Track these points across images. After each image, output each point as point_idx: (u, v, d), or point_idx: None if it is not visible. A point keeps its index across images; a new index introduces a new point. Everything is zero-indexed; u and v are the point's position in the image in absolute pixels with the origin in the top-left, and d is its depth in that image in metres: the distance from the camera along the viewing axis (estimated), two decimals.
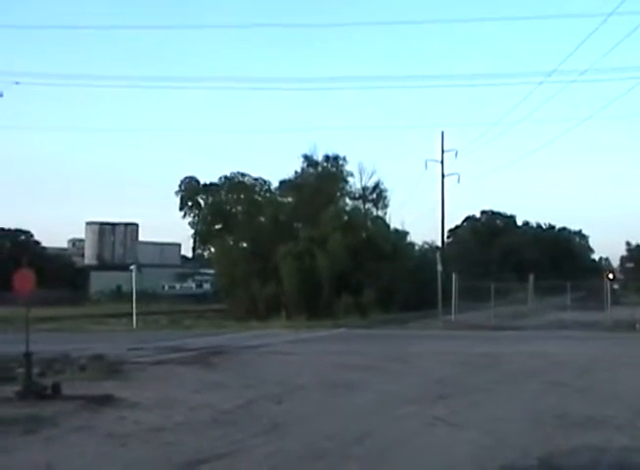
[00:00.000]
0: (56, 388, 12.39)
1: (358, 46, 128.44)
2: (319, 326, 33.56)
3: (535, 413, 11.22)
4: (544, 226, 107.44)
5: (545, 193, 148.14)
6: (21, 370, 13.21)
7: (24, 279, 13.33)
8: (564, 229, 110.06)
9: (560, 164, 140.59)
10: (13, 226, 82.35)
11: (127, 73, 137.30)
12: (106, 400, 12.09)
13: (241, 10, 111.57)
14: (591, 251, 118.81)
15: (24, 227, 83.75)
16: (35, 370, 13.36)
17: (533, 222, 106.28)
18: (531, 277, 41.32)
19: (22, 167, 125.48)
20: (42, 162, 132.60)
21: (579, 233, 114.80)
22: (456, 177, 58.29)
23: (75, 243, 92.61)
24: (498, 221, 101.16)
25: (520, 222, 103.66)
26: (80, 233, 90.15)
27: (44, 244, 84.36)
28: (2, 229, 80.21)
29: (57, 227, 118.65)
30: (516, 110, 67.91)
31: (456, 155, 57.55)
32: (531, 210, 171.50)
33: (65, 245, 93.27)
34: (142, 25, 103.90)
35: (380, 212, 57.99)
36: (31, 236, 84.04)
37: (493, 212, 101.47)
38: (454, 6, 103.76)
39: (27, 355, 12.75)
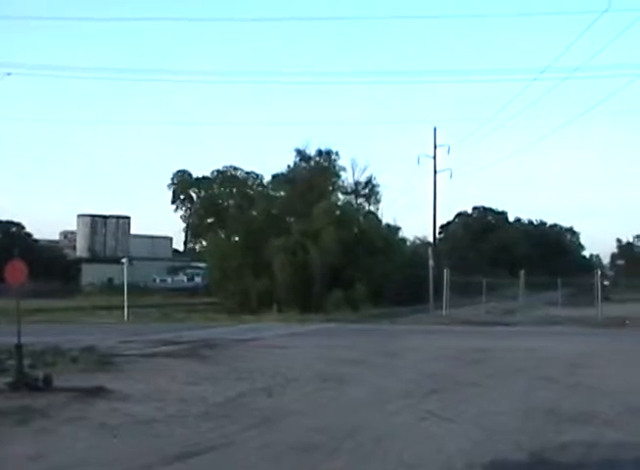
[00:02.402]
0: (47, 380, 12.37)
1: (352, 41, 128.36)
2: (311, 320, 33.63)
3: (526, 408, 11.25)
4: (535, 222, 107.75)
5: (537, 189, 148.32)
6: (12, 362, 13.22)
7: (16, 270, 13.29)
8: (555, 226, 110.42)
9: (552, 160, 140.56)
10: (4, 218, 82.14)
11: (119, 66, 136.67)
12: (97, 392, 12.08)
13: (233, 3, 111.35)
14: (582, 247, 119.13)
15: (16, 219, 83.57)
16: (26, 362, 13.35)
17: (525, 219, 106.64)
18: (522, 273, 41.52)
19: (14, 159, 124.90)
20: (34, 153, 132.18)
21: (570, 230, 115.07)
22: (448, 173, 58.46)
23: (67, 235, 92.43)
24: (490, 217, 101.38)
25: (511, 219, 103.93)
26: (72, 225, 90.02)
27: (36, 236, 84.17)
28: None
29: (48, 219, 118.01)
30: (509, 106, 68.01)
31: (449, 150, 57.67)
32: (523, 206, 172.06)
33: (56, 237, 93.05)
34: (134, 17, 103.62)
35: (372, 208, 58.18)
36: (23, 228, 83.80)
37: (485, 208, 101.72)
38: (448, 1, 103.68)
39: (19, 347, 12.73)
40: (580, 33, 75.87)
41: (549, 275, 46.22)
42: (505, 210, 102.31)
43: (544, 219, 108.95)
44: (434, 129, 58.35)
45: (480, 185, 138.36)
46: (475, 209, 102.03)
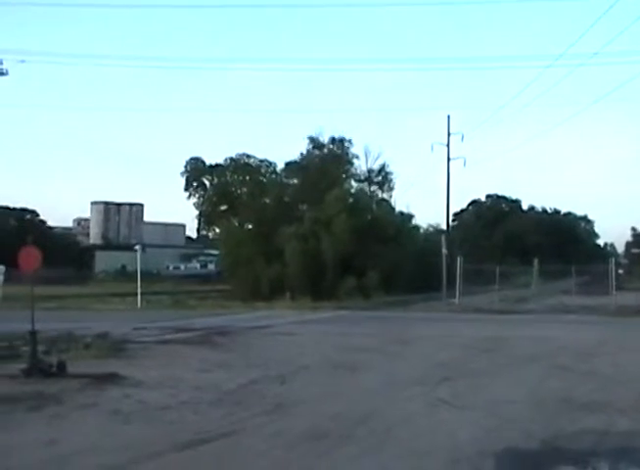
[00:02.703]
0: (61, 366, 12.44)
1: (365, 27, 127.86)
2: (323, 307, 33.64)
3: (539, 396, 11.23)
4: (549, 211, 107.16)
5: (551, 177, 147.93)
6: (26, 348, 13.30)
7: (30, 257, 13.35)
8: (569, 214, 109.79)
9: (566, 148, 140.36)
10: (18, 205, 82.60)
11: (133, 53, 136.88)
12: (110, 379, 12.13)
13: None
14: (596, 236, 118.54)
15: (30, 206, 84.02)
16: (40, 348, 13.42)
17: (539, 207, 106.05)
18: (536, 261, 41.31)
19: (28, 147, 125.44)
20: (48, 141, 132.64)
21: (585, 218, 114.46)
22: (462, 161, 58.32)
23: (80, 222, 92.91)
24: (503, 205, 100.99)
25: (525, 207, 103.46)
26: (86, 213, 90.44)
27: (49, 223, 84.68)
28: (8, 208, 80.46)
29: (62, 207, 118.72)
30: (523, 93, 67.61)
31: (462, 138, 57.53)
32: (537, 194, 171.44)
33: (70, 224, 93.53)
34: (146, 5, 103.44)
35: (385, 195, 57.96)
36: (37, 215, 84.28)
37: (498, 196, 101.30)
38: None
39: (33, 333, 12.81)
40: (595, 20, 75.24)
41: (563, 264, 45.98)
42: (519, 198, 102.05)
43: (558, 207, 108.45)
44: (448, 117, 58.28)
45: (494, 173, 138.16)
46: (488, 196, 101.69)
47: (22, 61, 41.89)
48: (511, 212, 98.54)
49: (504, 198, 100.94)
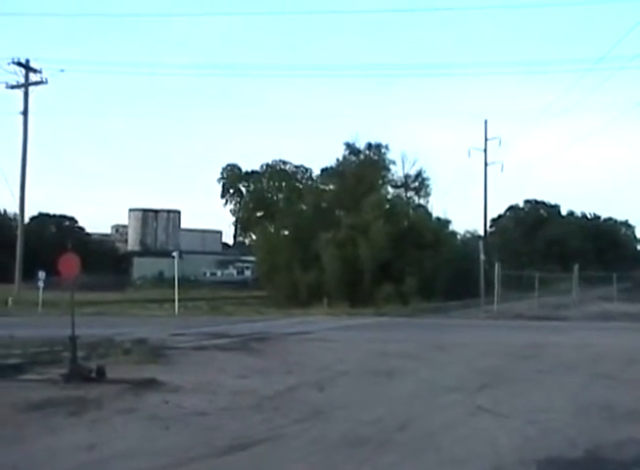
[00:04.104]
0: (100, 371, 12.52)
1: (400, 33, 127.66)
2: (361, 314, 33.53)
3: (580, 405, 11.04)
4: (589, 216, 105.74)
5: (591, 182, 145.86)
6: (66, 353, 13.42)
7: (70, 263, 13.47)
8: (609, 219, 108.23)
9: (606, 152, 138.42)
10: (57, 212, 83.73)
11: (169, 61, 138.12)
12: (149, 384, 12.18)
13: None
14: (637, 241, 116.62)
15: (69, 213, 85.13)
16: (80, 353, 13.53)
17: (578, 212, 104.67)
18: (576, 267, 40.75)
19: (67, 154, 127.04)
20: (86, 149, 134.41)
21: (625, 223, 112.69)
22: (499, 166, 57.90)
23: (119, 229, 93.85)
24: (542, 211, 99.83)
25: (564, 212, 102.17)
26: (123, 219, 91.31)
27: (88, 230, 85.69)
28: (47, 215, 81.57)
29: (100, 213, 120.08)
30: (563, 97, 66.96)
31: (500, 143, 57.15)
32: (576, 199, 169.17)
33: (108, 231, 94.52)
34: (181, 13, 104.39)
35: (422, 201, 57.60)
36: (75, 222, 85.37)
37: (537, 202, 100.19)
38: None
39: (73, 339, 12.91)
40: (637, 23, 74.24)
41: (603, 270, 45.37)
42: (558, 203, 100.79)
43: (598, 213, 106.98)
44: (485, 122, 57.96)
45: (532, 178, 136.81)
46: (526, 202, 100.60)
47: (62, 70, 42.41)
48: (550, 218, 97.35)
49: (543, 203, 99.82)
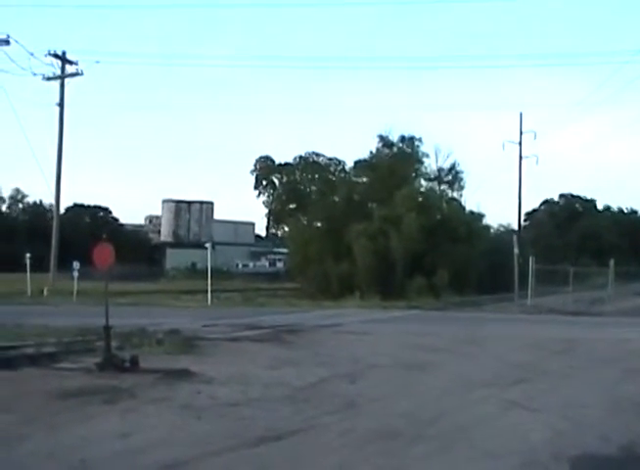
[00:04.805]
0: (134, 360, 12.64)
1: (434, 25, 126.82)
2: (393, 307, 33.44)
3: (615, 400, 10.93)
4: (626, 211, 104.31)
5: (628, 177, 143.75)
6: (100, 343, 13.56)
7: (104, 253, 13.57)
8: None
9: None
10: (92, 203, 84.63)
11: (200, 52, 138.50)
12: (182, 374, 12.27)
13: None
14: None
15: (103, 204, 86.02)
16: (114, 343, 13.66)
17: (614, 207, 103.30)
18: (612, 262, 40.23)
19: (102, 145, 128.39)
20: (121, 139, 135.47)
21: None
22: (534, 159, 57.38)
23: (152, 220, 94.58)
24: (577, 205, 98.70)
25: (600, 206, 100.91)
26: (157, 210, 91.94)
27: (122, 220, 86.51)
28: (82, 205, 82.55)
29: (134, 204, 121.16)
30: (599, 90, 66.13)
31: (535, 136, 56.62)
32: (613, 193, 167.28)
33: (141, 222, 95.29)
34: (212, 4, 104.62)
35: (455, 194, 57.20)
36: (109, 212, 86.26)
37: (572, 196, 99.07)
38: None
39: (107, 329, 13.03)
40: None
41: (639, 265, 44.72)
42: (594, 197, 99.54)
43: (635, 207, 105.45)
44: (520, 115, 57.53)
45: (568, 172, 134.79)
46: (561, 196, 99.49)
47: (98, 61, 42.70)
48: (585, 212, 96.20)
49: (578, 197, 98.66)
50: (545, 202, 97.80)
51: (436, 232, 45.37)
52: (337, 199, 52.49)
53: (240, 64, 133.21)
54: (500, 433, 8.79)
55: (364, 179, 54.44)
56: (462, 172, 57.22)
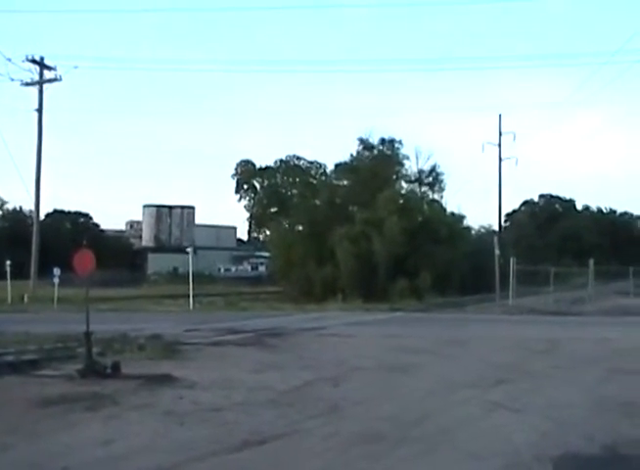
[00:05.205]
0: (115, 367, 12.57)
1: (413, 27, 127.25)
2: (375, 309, 33.45)
3: (598, 400, 10.96)
4: (605, 210, 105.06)
5: (606, 177, 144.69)
6: (81, 349, 13.46)
7: (84, 259, 13.50)
8: (625, 214, 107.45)
9: (621, 147, 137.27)
10: (72, 209, 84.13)
11: (180, 57, 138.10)
12: (164, 380, 12.21)
13: None
14: None
15: (83, 210, 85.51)
16: (95, 349, 13.57)
17: (594, 207, 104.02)
18: (591, 262, 40.48)
19: (81, 151, 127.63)
20: (100, 145, 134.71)
21: None
22: (514, 160, 57.64)
23: (133, 225, 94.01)
24: (557, 205, 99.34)
25: (579, 207, 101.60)
26: (138, 215, 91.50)
27: (102, 226, 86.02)
28: (62, 211, 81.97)
29: (115, 210, 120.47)
30: (577, 91, 66.64)
31: (514, 138, 56.89)
32: (591, 194, 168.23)
33: (122, 227, 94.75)
34: (194, 8, 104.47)
35: (436, 196, 57.43)
36: (90, 218, 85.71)
37: (552, 196, 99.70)
38: None
39: (88, 335, 12.96)
40: None
41: (619, 264, 45.06)
42: (573, 197, 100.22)
43: (614, 207, 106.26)
44: (499, 116, 57.74)
45: (547, 173, 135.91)
46: (541, 196, 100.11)
47: (76, 67, 42.50)
48: (565, 212, 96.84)
49: (558, 198, 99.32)
50: (525, 202, 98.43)
51: (418, 234, 45.48)
52: (318, 202, 52.47)
53: (220, 68, 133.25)
54: (484, 434, 8.80)
55: (345, 182, 54.48)
56: (442, 174, 57.53)
